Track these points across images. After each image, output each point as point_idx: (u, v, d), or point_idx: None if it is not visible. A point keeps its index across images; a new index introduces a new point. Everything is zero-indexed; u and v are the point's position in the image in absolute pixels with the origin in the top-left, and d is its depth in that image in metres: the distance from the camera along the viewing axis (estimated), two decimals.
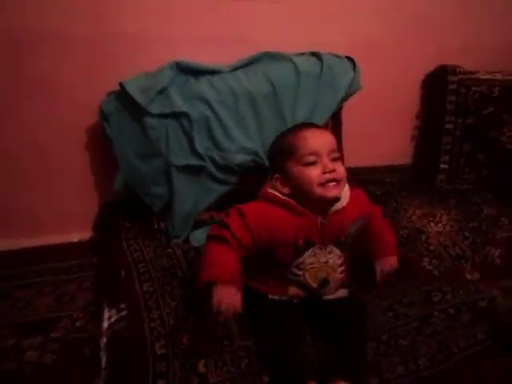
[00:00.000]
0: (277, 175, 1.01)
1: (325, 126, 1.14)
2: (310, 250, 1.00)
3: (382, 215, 1.19)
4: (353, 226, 1.04)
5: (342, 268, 1.07)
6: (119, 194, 1.42)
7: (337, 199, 1.00)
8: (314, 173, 0.95)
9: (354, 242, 1.08)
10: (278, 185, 1.00)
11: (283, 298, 1.05)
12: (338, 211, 1.00)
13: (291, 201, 0.98)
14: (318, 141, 0.97)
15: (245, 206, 0.99)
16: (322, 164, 0.95)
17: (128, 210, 1.44)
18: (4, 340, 1.15)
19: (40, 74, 1.32)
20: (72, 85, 1.36)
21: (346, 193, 1.03)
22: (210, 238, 0.98)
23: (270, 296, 1.04)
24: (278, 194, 0.99)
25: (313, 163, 0.95)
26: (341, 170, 0.97)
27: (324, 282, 1.04)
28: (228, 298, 0.88)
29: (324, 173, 0.95)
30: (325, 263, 1.03)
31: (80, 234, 1.55)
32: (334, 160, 0.97)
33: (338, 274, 1.06)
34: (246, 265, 1.00)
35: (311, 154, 0.95)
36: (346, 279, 1.12)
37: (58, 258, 1.46)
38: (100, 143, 1.39)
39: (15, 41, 1.26)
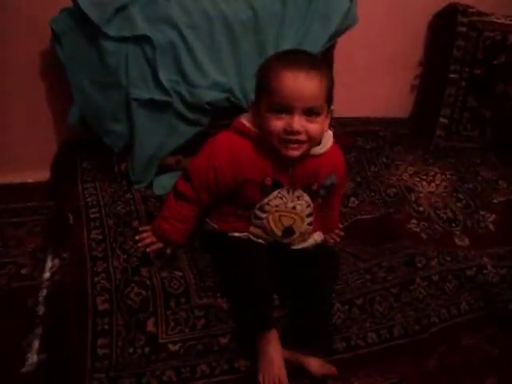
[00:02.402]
0: (253, 102, 0.93)
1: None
2: (277, 192, 0.93)
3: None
4: (328, 178, 0.97)
5: (310, 219, 0.99)
6: (80, 131, 1.27)
7: (299, 158, 0.90)
8: (278, 126, 0.85)
9: (325, 196, 1.01)
10: (251, 113, 0.92)
11: (244, 234, 0.97)
12: (313, 156, 0.92)
13: (260, 135, 0.90)
14: (297, 91, 0.83)
15: (215, 142, 0.94)
16: (289, 120, 0.84)
17: (89, 150, 1.30)
18: None
19: None
20: None
21: (328, 140, 0.95)
22: (174, 191, 0.98)
23: (229, 234, 0.97)
24: (248, 125, 0.92)
25: (282, 112, 0.85)
26: (313, 130, 0.86)
27: (288, 231, 0.97)
28: (149, 243, 0.99)
29: (287, 132, 0.85)
30: (292, 209, 0.95)
31: (36, 174, 1.41)
32: (310, 115, 0.85)
33: (304, 225, 0.98)
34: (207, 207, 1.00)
35: (283, 104, 0.83)
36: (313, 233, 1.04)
37: (9, 198, 1.34)
38: (59, 71, 1.21)
39: None
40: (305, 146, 0.88)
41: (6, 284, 1.07)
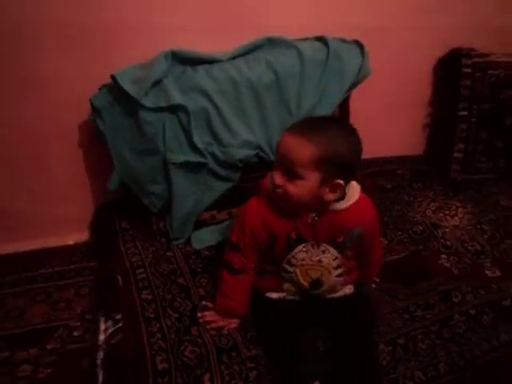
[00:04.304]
0: None
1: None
2: (302, 246, 0.96)
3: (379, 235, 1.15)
4: (353, 230, 0.97)
5: (339, 271, 1.01)
6: (117, 193, 1.34)
7: (320, 213, 0.94)
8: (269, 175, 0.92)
9: (354, 247, 1.01)
10: None
11: (280, 295, 1.02)
12: (336, 211, 0.94)
13: None
14: (278, 148, 0.88)
15: (246, 207, 0.99)
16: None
17: (126, 211, 1.36)
18: None
19: (35, 69, 1.22)
20: (68, 78, 1.26)
21: (352, 194, 0.96)
22: (227, 268, 1.00)
23: (266, 294, 1.02)
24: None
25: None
26: (288, 190, 0.87)
27: (316, 283, 1.00)
28: (209, 322, 1.01)
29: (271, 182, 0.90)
30: (318, 262, 0.98)
31: (76, 236, 1.48)
32: (289, 175, 0.87)
33: (332, 277, 1.00)
34: None
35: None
36: (349, 283, 1.06)
37: (53, 262, 1.39)
38: (96, 140, 1.30)
39: (13, 31, 1.16)
40: (284, 200, 0.90)
41: (60, 347, 1.11)
